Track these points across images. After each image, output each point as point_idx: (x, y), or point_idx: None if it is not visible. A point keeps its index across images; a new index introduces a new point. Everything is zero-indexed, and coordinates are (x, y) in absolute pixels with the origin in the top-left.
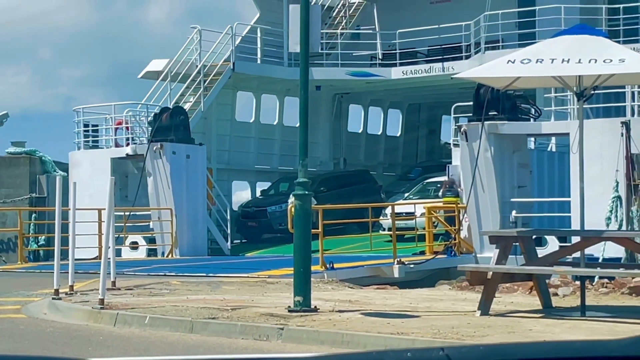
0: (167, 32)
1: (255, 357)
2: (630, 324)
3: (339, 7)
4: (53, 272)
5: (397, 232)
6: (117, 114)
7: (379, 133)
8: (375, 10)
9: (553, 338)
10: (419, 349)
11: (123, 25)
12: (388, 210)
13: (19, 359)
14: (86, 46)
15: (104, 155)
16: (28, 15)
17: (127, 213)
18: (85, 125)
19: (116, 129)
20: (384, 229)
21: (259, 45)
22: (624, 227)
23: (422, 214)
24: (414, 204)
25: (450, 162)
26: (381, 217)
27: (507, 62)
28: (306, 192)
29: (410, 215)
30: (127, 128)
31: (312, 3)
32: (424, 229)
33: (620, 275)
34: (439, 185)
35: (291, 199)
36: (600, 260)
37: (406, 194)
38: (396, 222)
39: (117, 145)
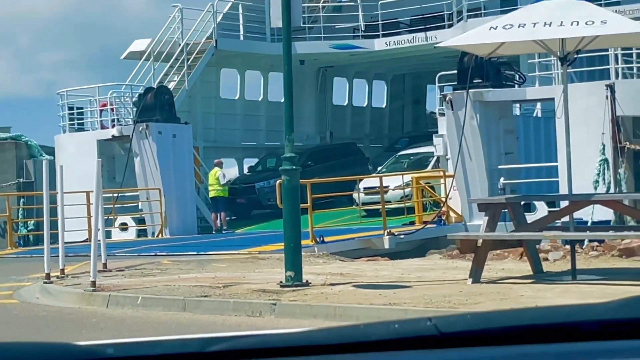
0: (145, 14)
1: (247, 334)
2: (621, 286)
3: None
4: (43, 257)
5: (371, 207)
6: (101, 96)
7: (364, 105)
8: None
9: (545, 303)
10: (406, 320)
11: (101, 8)
12: (361, 185)
13: (9, 345)
14: (65, 30)
15: (89, 138)
16: (3, 0)
17: (115, 195)
18: (70, 109)
19: (101, 110)
20: (357, 204)
21: (241, 21)
22: (611, 190)
23: (396, 187)
24: (405, 174)
25: (437, 131)
26: (355, 192)
27: (490, 29)
28: (294, 167)
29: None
30: (112, 110)
31: None
32: (398, 202)
33: (610, 237)
34: (411, 158)
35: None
36: (589, 224)
37: (379, 168)
38: (369, 196)
39: (102, 127)
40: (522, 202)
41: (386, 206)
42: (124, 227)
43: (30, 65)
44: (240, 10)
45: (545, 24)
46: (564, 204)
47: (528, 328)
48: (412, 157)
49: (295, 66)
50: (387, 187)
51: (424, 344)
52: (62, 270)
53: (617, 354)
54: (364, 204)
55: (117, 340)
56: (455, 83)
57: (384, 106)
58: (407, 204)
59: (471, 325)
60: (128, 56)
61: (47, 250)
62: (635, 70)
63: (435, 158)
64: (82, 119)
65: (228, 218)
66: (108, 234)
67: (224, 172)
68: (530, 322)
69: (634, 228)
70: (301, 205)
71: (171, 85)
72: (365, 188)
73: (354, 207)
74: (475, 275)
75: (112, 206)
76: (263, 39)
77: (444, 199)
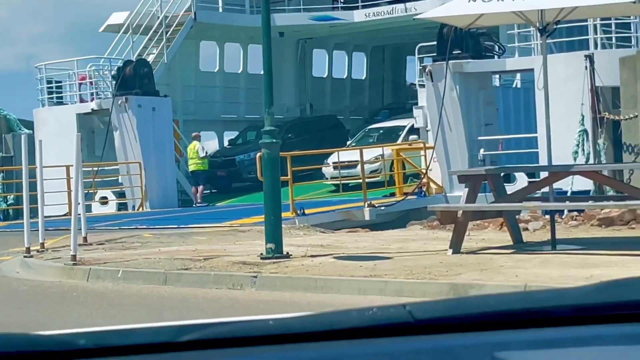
0: None
1: (220, 321)
2: (600, 256)
3: None
4: (23, 231)
5: (342, 181)
6: (80, 69)
7: (344, 77)
8: None
9: (525, 273)
10: (381, 307)
11: None
12: (330, 159)
13: None
14: (43, 2)
15: (69, 112)
16: None
17: (95, 168)
18: (49, 82)
19: (80, 84)
20: (327, 178)
21: None
22: (591, 160)
23: (365, 161)
24: (382, 146)
25: (417, 103)
26: (324, 166)
27: (469, 1)
28: (274, 140)
29: (354, 162)
30: (91, 83)
31: None
32: (368, 176)
33: (589, 207)
34: (381, 132)
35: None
36: (569, 194)
37: (348, 142)
38: (340, 171)
39: (81, 100)
40: (502, 173)
41: (355, 181)
42: (104, 200)
43: (8, 38)
44: None
45: None
46: (543, 174)
47: (502, 314)
48: (381, 131)
49: (274, 38)
50: (356, 161)
51: (399, 331)
52: (42, 244)
53: (592, 340)
54: (334, 177)
55: (88, 329)
56: (435, 54)
57: (363, 78)
58: (378, 178)
59: (446, 311)
60: (106, 29)
61: (27, 224)
62: (614, 41)
63: (405, 131)
64: (61, 92)
65: (208, 191)
66: (88, 208)
67: (202, 145)
68: (505, 308)
69: (613, 198)
70: (281, 177)
71: (150, 58)
72: (334, 162)
73: (323, 181)
74: (456, 246)
75: (92, 180)
76: (242, 11)
77: (424, 171)
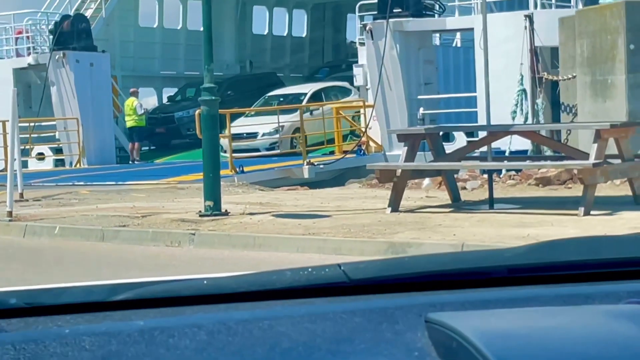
0: None
1: (153, 280)
2: (537, 215)
3: None
4: None
5: (241, 155)
6: (16, 23)
7: (285, 34)
8: None
9: (462, 231)
10: (316, 267)
11: None
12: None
13: None
14: None
15: (5, 66)
16: None
17: (32, 124)
18: None
19: (17, 38)
20: (225, 151)
21: None
22: (529, 120)
23: (265, 135)
24: (324, 105)
25: (357, 61)
26: (221, 136)
27: None
28: (213, 98)
29: (252, 136)
30: (27, 37)
31: None
32: (270, 149)
33: (527, 167)
34: (282, 99)
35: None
36: (507, 154)
37: (248, 110)
38: (239, 144)
39: (18, 55)
40: (441, 133)
41: (254, 154)
42: (40, 157)
43: None
44: None
45: None
46: (482, 134)
47: (436, 275)
48: (281, 98)
49: None
50: (255, 133)
51: (334, 291)
52: None
53: (525, 300)
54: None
55: (19, 288)
56: (376, 13)
57: (304, 35)
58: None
59: (380, 272)
60: None
61: None
62: (553, 1)
63: (307, 98)
64: None
65: (147, 148)
66: (25, 164)
67: (140, 102)
68: (438, 268)
69: (551, 158)
70: (221, 135)
71: (88, 13)
72: (234, 135)
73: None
74: (394, 204)
75: (28, 136)
76: None
77: (363, 129)
